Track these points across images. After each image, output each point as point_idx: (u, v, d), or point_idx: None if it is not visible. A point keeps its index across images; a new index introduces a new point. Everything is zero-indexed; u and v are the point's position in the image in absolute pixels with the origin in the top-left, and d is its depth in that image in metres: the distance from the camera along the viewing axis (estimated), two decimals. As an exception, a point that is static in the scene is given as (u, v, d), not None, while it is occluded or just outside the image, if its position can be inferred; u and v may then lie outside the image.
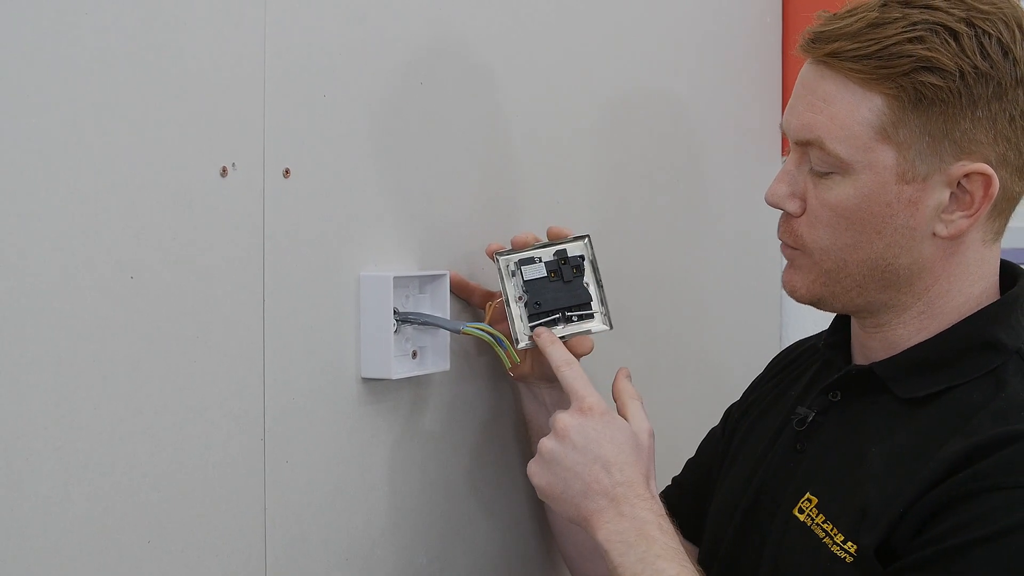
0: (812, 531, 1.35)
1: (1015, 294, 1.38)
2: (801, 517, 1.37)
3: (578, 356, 1.53)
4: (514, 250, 1.53)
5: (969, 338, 1.35)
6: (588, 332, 1.54)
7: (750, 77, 2.18)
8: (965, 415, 1.31)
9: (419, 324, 1.48)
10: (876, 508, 1.29)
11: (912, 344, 1.37)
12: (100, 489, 1.17)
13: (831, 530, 1.33)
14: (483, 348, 1.56)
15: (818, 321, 1.55)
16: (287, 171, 1.33)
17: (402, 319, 1.46)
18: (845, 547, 1.30)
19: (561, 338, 1.52)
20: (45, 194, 1.12)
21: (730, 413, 1.66)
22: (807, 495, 1.38)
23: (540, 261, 1.53)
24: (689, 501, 1.65)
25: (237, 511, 1.30)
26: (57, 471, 1.14)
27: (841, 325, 1.48)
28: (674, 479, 1.71)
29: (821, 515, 1.35)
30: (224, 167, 1.27)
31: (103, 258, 1.16)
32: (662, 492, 1.69)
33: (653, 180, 1.96)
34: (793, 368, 1.60)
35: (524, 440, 1.68)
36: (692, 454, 1.71)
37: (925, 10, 1.29)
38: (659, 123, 1.98)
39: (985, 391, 1.32)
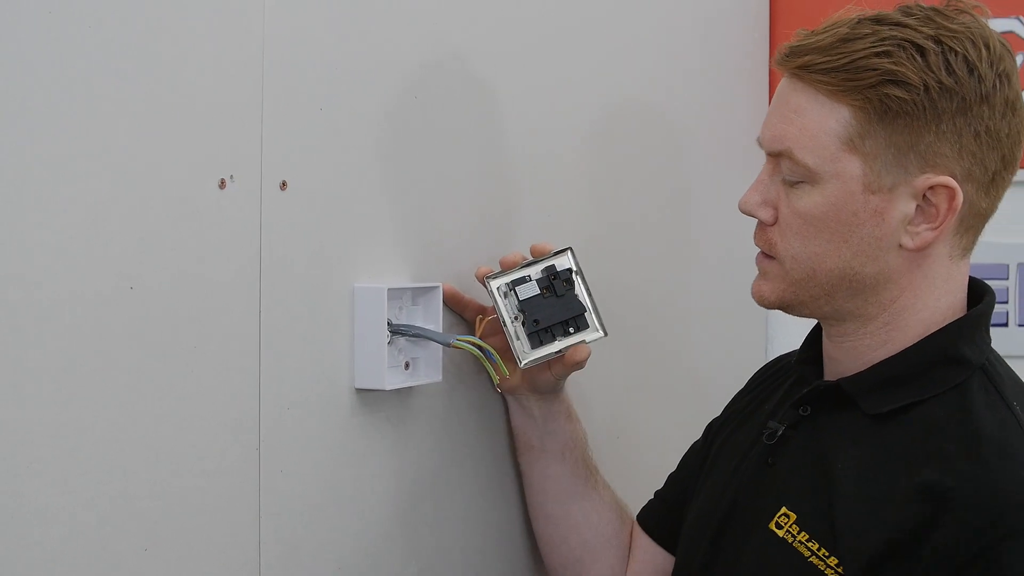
0: (795, 549, 1.36)
1: (980, 311, 1.40)
2: (780, 533, 1.38)
3: (576, 363, 1.56)
4: (503, 272, 1.55)
5: (935, 353, 1.37)
6: (584, 341, 1.56)
7: (738, 94, 2.20)
8: (929, 433, 1.33)
9: (411, 336, 1.49)
10: (852, 534, 1.31)
11: (878, 356, 1.39)
12: (98, 497, 1.18)
13: (818, 550, 1.34)
14: (475, 359, 1.57)
15: (804, 336, 1.56)
16: (284, 183, 1.35)
17: (394, 331, 1.47)
18: (839, 571, 1.32)
19: (558, 352, 1.54)
20: (46, 205, 1.13)
21: (711, 428, 1.68)
22: (783, 510, 1.39)
23: (532, 279, 1.55)
24: (669, 515, 1.66)
25: (232, 519, 1.31)
26: (56, 479, 1.14)
27: (814, 340, 1.50)
28: (656, 493, 1.72)
29: (804, 533, 1.36)
30: (222, 179, 1.28)
31: (103, 268, 1.17)
32: (645, 506, 1.71)
33: (643, 195, 1.98)
34: (770, 383, 1.61)
35: (514, 451, 1.69)
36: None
37: (895, 27, 1.33)
38: (649, 138, 2.00)
39: (949, 407, 1.34)
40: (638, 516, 1.71)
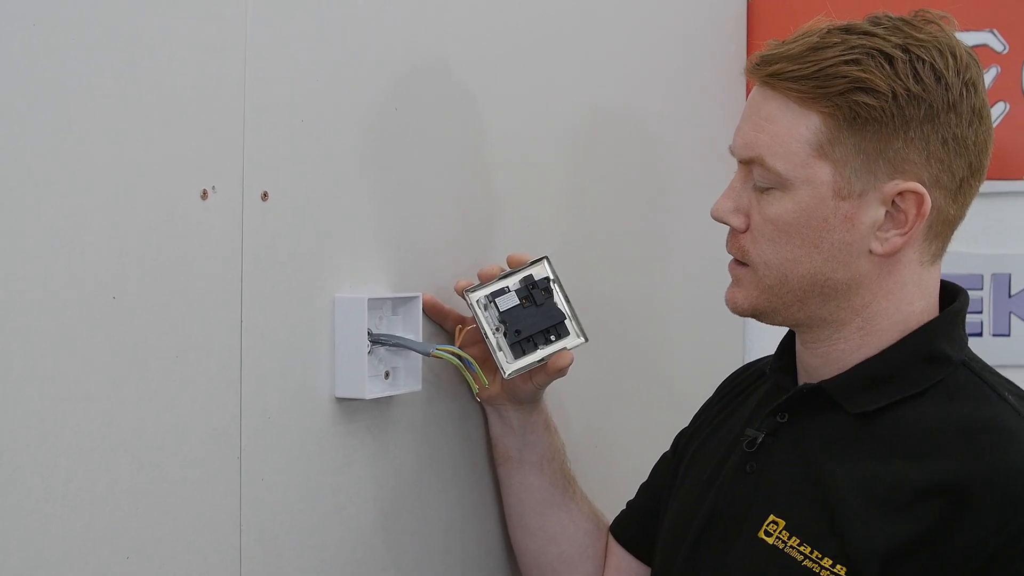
0: (787, 554, 1.36)
1: (956, 308, 1.42)
2: (769, 540, 1.38)
3: (559, 370, 1.57)
4: (482, 284, 1.56)
5: (915, 351, 1.39)
6: (565, 348, 1.58)
7: (715, 104, 2.21)
8: (924, 429, 1.34)
9: (391, 345, 1.50)
10: (860, 535, 1.32)
11: (854, 360, 1.41)
12: (80, 504, 1.19)
13: (810, 553, 1.34)
14: (454, 369, 1.58)
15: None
16: (265, 194, 1.36)
17: (375, 340, 1.48)
18: (835, 571, 1.32)
19: (540, 360, 1.55)
20: (29, 215, 1.13)
21: (680, 438, 1.69)
22: (771, 518, 1.39)
23: (510, 290, 1.56)
24: (643, 524, 1.67)
25: (214, 528, 1.32)
26: (39, 487, 1.15)
27: (787, 349, 1.52)
28: (629, 503, 1.73)
29: (794, 538, 1.36)
30: (204, 190, 1.29)
31: (86, 278, 1.18)
32: (618, 517, 1.72)
33: (622, 203, 1.99)
34: (740, 391, 1.62)
35: (493, 462, 1.70)
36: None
37: (864, 36, 1.35)
38: (627, 148, 2.01)
39: (937, 402, 1.36)
40: (611, 527, 1.72)
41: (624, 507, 1.73)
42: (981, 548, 1.27)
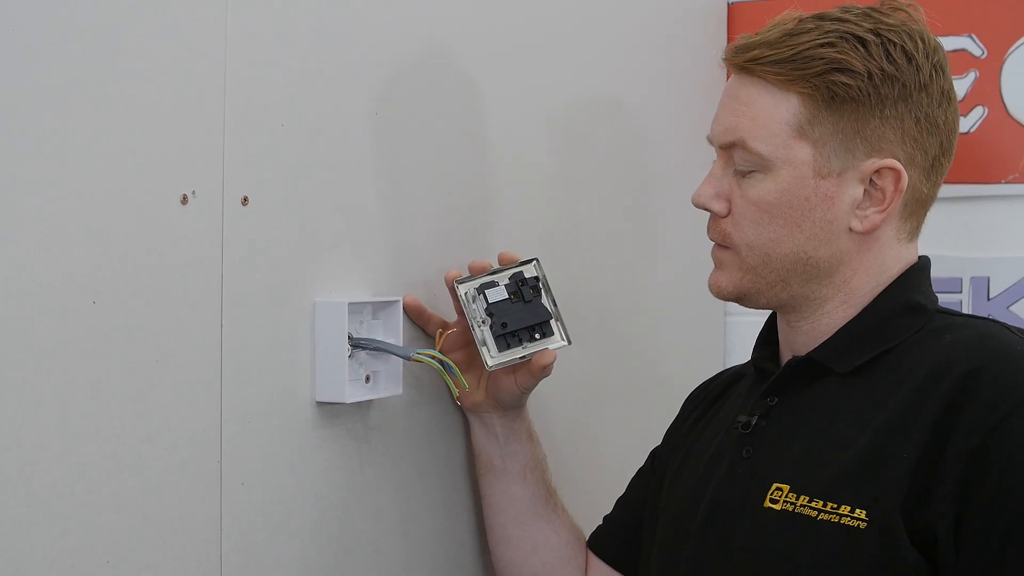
0: (799, 514, 1.35)
1: (921, 264, 1.47)
2: (777, 507, 1.37)
3: (543, 368, 1.58)
4: (472, 276, 1.57)
5: (891, 305, 1.43)
6: (547, 349, 1.58)
7: (699, 104, 2.22)
8: (921, 367, 1.36)
9: (372, 349, 1.51)
10: (879, 480, 1.31)
11: (837, 328, 1.44)
12: (60, 510, 1.19)
13: (823, 506, 1.33)
14: (435, 373, 1.58)
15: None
16: (245, 199, 1.36)
17: (355, 344, 1.48)
18: (855, 515, 1.31)
19: (522, 357, 1.56)
20: (9, 219, 1.14)
21: (656, 454, 1.69)
22: (775, 486, 1.38)
23: (500, 284, 1.57)
24: (623, 538, 1.67)
25: (194, 532, 1.32)
26: (18, 492, 1.15)
27: (767, 340, 1.54)
28: (605, 517, 1.72)
29: (803, 497, 1.35)
30: (185, 195, 1.29)
31: (66, 282, 1.18)
32: (595, 532, 1.71)
33: (604, 203, 1.99)
34: (715, 398, 1.63)
35: (473, 468, 1.70)
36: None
37: (836, 22, 1.41)
38: (610, 147, 2.01)
39: (925, 344, 1.39)
40: (589, 542, 1.71)
41: (601, 521, 1.72)
42: (980, 424, 1.28)
